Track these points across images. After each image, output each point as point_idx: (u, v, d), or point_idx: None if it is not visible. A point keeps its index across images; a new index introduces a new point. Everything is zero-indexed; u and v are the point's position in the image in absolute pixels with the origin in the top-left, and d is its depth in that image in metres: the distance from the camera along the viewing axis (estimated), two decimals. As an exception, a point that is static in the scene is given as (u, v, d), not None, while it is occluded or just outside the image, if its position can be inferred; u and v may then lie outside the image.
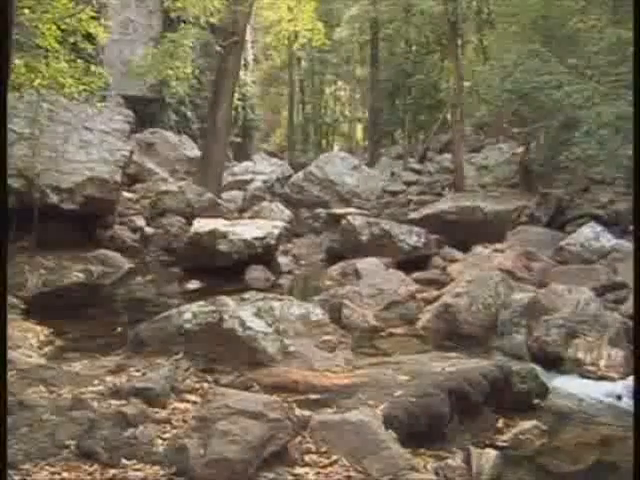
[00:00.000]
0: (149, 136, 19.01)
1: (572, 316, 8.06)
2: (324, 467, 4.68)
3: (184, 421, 5.09)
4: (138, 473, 4.31)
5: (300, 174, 19.63)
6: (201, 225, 12.30)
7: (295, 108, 33.29)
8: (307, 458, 4.75)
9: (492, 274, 9.06)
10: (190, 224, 12.91)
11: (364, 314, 8.57)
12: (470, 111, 20.50)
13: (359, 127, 36.01)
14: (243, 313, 6.56)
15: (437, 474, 4.89)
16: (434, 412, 5.42)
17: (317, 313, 6.99)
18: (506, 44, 18.76)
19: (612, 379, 7.38)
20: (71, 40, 11.86)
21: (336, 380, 5.87)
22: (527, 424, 5.93)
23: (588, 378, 7.41)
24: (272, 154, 29.11)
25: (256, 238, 11.67)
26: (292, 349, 6.37)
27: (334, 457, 4.76)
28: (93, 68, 11.93)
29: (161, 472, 4.35)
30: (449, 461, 5.05)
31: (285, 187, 19.57)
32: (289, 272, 12.03)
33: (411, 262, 11.39)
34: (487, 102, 18.36)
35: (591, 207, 13.53)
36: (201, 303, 7.01)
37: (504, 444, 5.63)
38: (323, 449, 4.84)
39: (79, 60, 11.66)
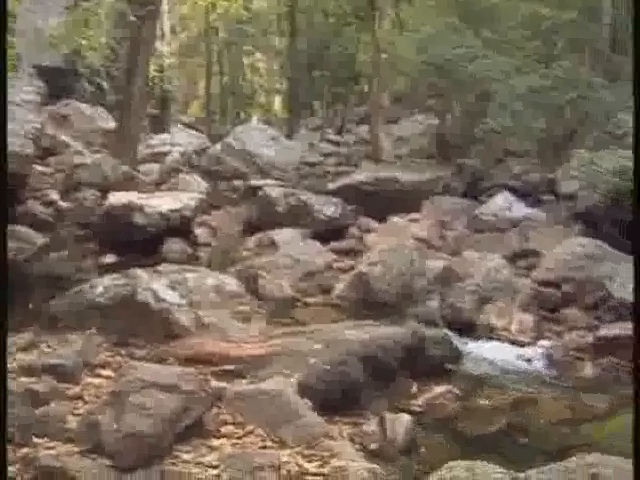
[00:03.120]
0: (63, 108, 18.43)
1: (484, 283, 8.25)
2: (240, 438, 4.69)
3: (97, 396, 5.02)
4: (50, 451, 4.23)
5: (218, 146, 19.37)
6: (117, 198, 12.04)
7: (213, 79, 32.76)
8: (223, 429, 4.76)
9: (406, 243, 9.19)
10: (105, 197, 12.62)
11: (280, 284, 8.57)
12: (388, 83, 20.58)
13: (277, 98, 35.73)
14: (156, 285, 6.48)
15: (352, 441, 4.95)
16: (349, 379, 5.47)
17: (232, 284, 6.97)
18: (423, 17, 18.90)
19: (523, 343, 7.60)
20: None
21: (251, 350, 5.87)
22: (440, 389, 6.06)
23: (500, 342, 7.62)
24: (190, 126, 28.62)
25: (172, 210, 11.49)
26: (207, 320, 6.33)
27: (250, 427, 4.78)
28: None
29: (74, 449, 4.29)
30: (364, 427, 5.12)
31: (203, 159, 19.30)
32: (206, 244, 11.89)
33: (328, 232, 11.41)
34: (404, 74, 18.46)
35: (505, 178, 13.76)
36: (114, 276, 6.89)
37: (418, 409, 5.73)
38: (239, 420, 4.86)
39: (-14, 28, 11.17)
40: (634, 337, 4.04)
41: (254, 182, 15.13)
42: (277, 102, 35.85)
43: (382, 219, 11.88)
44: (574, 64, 14.27)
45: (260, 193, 12.81)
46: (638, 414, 3.40)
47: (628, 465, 4.07)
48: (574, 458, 4.11)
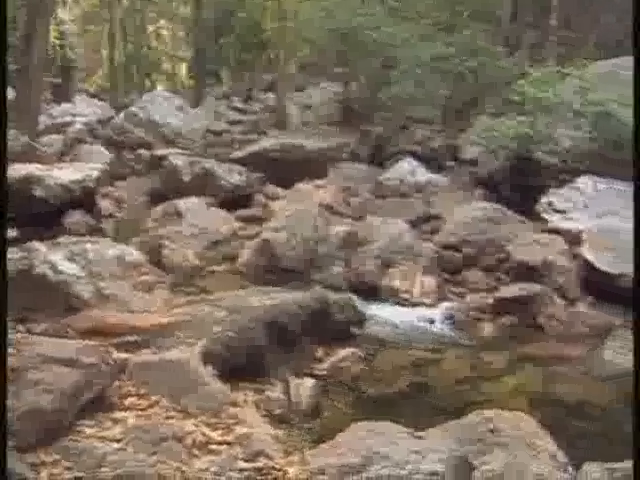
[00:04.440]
0: (-44, 77, 17.66)
1: (387, 247, 8.39)
2: (144, 409, 4.62)
3: (-6, 374, 4.87)
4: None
5: (122, 115, 18.93)
6: (16, 171, 11.64)
7: (116, 47, 31.95)
8: (127, 402, 4.68)
9: (310, 209, 9.22)
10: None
11: (185, 254, 8.50)
12: (294, 51, 20.50)
13: (183, 66, 35.16)
14: (54, 258, 6.29)
15: (257, 407, 4.97)
16: (253, 346, 5.48)
17: (133, 254, 6.84)
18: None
19: (425, 305, 7.78)
20: None
21: (154, 320, 5.79)
22: (345, 352, 6.15)
23: (403, 305, 7.78)
24: (93, 95, 27.90)
25: (74, 182, 11.18)
26: (107, 292, 6.20)
27: (154, 398, 4.72)
28: None
29: (-30, 429, 4.16)
30: (269, 393, 5.15)
31: (107, 129, 18.87)
32: (110, 215, 11.66)
33: (234, 200, 11.32)
34: (310, 42, 18.41)
35: (409, 144, 13.94)
36: (11, 250, 6.67)
37: (323, 372, 5.81)
38: (143, 391, 4.78)
39: None
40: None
41: (159, 152, 14.85)
42: (183, 70, 35.27)
43: (288, 186, 11.87)
44: (476, 33, 14.53)
45: (165, 162, 12.61)
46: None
47: (523, 420, 4.25)
48: (473, 414, 4.26)
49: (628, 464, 3.81)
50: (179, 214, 10.17)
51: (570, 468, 3.89)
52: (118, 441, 4.17)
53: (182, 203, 10.47)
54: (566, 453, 4.00)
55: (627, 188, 9.33)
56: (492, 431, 4.08)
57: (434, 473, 3.62)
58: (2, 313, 4.01)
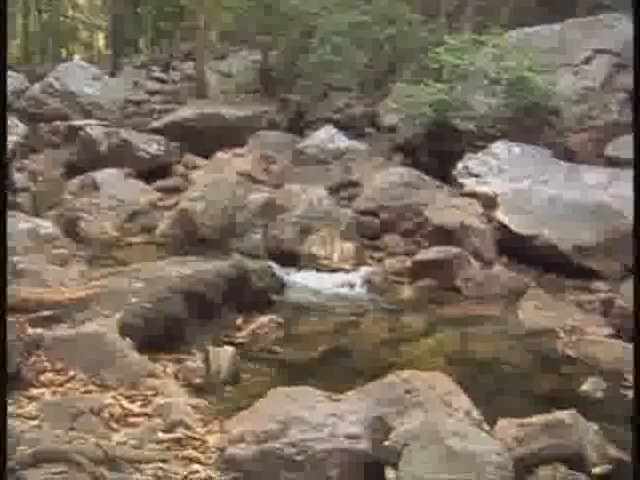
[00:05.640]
0: None
1: (306, 213, 8.42)
2: (61, 385, 4.57)
3: None
4: None
5: (37, 86, 18.40)
6: None
7: (31, 16, 30.93)
8: (43, 378, 4.61)
9: (228, 177, 9.17)
10: None
11: (102, 226, 8.37)
12: (213, 19, 20.19)
13: (100, 35, 34.26)
14: (-37, 233, 6.11)
15: (176, 377, 4.96)
16: (171, 316, 5.45)
17: (47, 227, 6.70)
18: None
19: (345, 270, 7.85)
20: None
21: (69, 294, 5.68)
22: (264, 319, 6.18)
23: (322, 271, 7.82)
24: (7, 66, 27.02)
25: (-14, 155, 10.87)
26: (21, 266, 6.04)
27: (71, 373, 4.67)
28: None
29: None
30: (188, 363, 5.14)
31: (21, 101, 18.31)
32: (25, 189, 11.34)
33: (152, 171, 11.15)
34: (229, 9, 18.16)
35: (328, 111, 13.93)
36: None
37: (242, 340, 5.83)
38: (59, 366, 4.72)
39: None
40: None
41: (75, 122, 14.49)
42: (100, 39, 34.41)
43: (208, 155, 11.76)
44: (394, 1, 14.55)
45: (81, 134, 12.31)
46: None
47: (439, 379, 4.34)
48: (390, 375, 4.33)
49: (540, 419, 3.95)
50: (96, 186, 9.99)
51: (485, 425, 3.97)
52: (34, 418, 4.12)
53: (99, 175, 10.28)
54: (481, 410, 4.09)
55: (540, 152, 9.58)
56: (409, 391, 4.14)
57: (351, 435, 3.66)
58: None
